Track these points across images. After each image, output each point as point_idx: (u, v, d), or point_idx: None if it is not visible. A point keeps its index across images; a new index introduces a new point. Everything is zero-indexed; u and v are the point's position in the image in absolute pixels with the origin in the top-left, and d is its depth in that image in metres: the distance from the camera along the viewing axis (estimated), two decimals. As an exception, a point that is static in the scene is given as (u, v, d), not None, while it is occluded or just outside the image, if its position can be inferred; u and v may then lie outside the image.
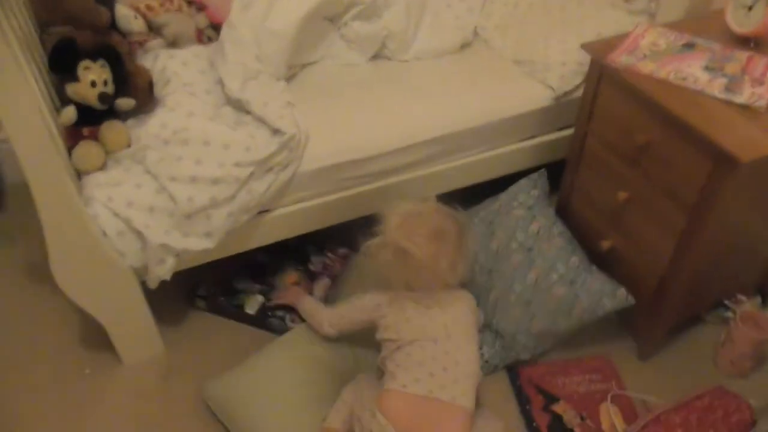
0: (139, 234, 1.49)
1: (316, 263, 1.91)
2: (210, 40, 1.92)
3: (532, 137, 1.89)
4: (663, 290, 1.54)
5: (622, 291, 1.58)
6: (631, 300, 1.57)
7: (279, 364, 1.57)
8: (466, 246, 1.48)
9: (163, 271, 1.53)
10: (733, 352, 1.61)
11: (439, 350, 1.38)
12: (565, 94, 1.83)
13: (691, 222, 1.40)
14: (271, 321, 1.77)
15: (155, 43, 1.84)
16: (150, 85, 1.63)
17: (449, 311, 1.44)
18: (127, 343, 1.67)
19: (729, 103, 1.37)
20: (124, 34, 1.83)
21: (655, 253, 1.53)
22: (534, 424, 1.55)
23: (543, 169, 1.82)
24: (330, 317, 1.58)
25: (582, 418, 1.55)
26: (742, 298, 1.74)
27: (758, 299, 1.75)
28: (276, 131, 1.58)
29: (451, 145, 1.77)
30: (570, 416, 1.56)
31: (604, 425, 1.54)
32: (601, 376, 1.65)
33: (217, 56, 1.72)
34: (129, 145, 1.58)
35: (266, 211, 1.65)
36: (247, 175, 1.52)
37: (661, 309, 1.57)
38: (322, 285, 1.84)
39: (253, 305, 1.80)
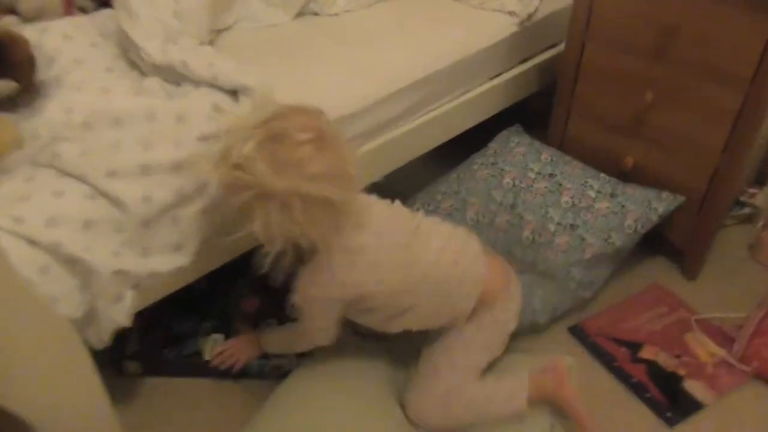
0: (74, 264, 0.98)
1: (275, 276, 1.46)
2: (84, 12, 1.43)
3: (499, 74, 1.67)
4: (719, 185, 1.37)
5: (666, 192, 1.42)
6: (681, 198, 1.42)
7: (323, 387, 1.18)
8: (339, 133, 1.06)
9: (120, 313, 1.03)
10: (779, 242, 1.50)
11: (419, 249, 1.11)
12: (528, 17, 1.64)
13: (748, 100, 1.26)
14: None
15: (9, 21, 1.31)
16: (32, 59, 1.12)
17: (376, 211, 1.12)
18: (70, 445, 1.11)
19: (756, -38, 1.25)
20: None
21: (702, 148, 1.36)
22: (634, 380, 1.29)
23: (517, 123, 1.70)
24: (317, 328, 1.15)
25: (677, 356, 1.33)
26: (754, 190, 1.67)
27: (764, 188, 1.69)
28: (239, 91, 1.17)
29: (428, 89, 1.47)
30: (664, 358, 1.33)
31: (702, 356, 1.33)
32: (667, 308, 1.44)
33: (122, 18, 1.24)
34: (20, 146, 1.06)
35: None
36: (217, 151, 1.09)
37: (716, 208, 1.41)
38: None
39: (212, 350, 1.32)
